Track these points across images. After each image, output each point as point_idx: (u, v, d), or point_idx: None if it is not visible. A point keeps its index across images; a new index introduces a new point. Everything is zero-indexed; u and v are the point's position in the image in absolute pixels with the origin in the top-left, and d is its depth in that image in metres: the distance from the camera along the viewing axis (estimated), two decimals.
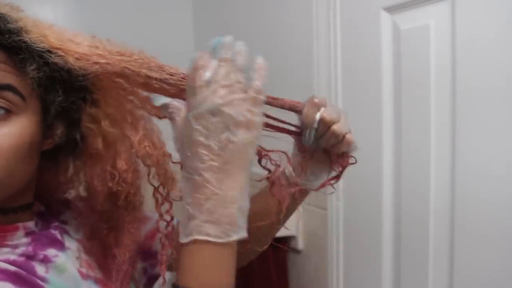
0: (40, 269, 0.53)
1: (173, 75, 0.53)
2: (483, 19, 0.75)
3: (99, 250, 0.61)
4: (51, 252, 0.56)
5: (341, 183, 1.08)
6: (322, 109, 0.58)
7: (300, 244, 1.24)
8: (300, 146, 0.64)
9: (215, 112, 0.46)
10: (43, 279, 0.53)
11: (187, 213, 0.47)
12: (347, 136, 0.61)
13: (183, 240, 0.47)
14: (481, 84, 0.76)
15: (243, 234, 0.48)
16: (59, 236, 0.59)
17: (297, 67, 1.23)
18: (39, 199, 0.61)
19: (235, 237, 0.47)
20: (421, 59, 0.85)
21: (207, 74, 0.48)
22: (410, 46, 0.88)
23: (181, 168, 0.50)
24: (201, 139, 0.46)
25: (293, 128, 0.62)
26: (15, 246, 0.53)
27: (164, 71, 0.53)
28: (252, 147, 0.50)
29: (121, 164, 0.56)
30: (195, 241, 0.46)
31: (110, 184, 0.56)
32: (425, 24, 0.84)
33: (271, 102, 0.60)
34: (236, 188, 0.48)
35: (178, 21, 1.83)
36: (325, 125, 0.58)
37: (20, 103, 0.48)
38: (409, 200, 0.91)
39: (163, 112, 0.54)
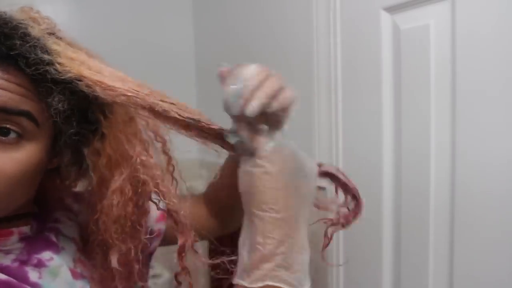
0: (33, 275, 0.52)
1: (199, 120, 0.52)
2: (483, 19, 0.75)
3: (99, 250, 0.59)
4: (45, 255, 0.55)
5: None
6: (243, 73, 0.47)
7: None
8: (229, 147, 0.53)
9: (293, 152, 0.45)
10: (35, 285, 0.52)
11: (256, 253, 0.43)
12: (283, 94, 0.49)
13: (252, 284, 0.43)
14: (481, 84, 0.76)
15: (309, 284, 0.45)
16: (54, 238, 0.59)
17: (297, 67, 1.23)
18: (33, 200, 0.60)
19: (306, 287, 0.44)
20: (421, 59, 0.85)
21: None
22: (410, 46, 0.88)
23: (244, 209, 0.46)
24: (277, 175, 0.44)
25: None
26: (8, 252, 0.53)
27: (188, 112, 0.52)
28: (313, 195, 0.48)
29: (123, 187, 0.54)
30: (266, 286, 0.43)
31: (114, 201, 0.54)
32: (425, 24, 0.84)
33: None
34: (305, 235, 0.46)
35: (178, 21, 1.83)
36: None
37: (33, 129, 0.48)
38: (409, 199, 0.91)
39: (238, 150, 0.50)
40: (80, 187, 0.65)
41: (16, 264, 0.52)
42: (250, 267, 0.43)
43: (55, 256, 0.56)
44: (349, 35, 1.03)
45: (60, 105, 0.47)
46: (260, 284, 0.43)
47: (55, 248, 0.58)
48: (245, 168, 0.46)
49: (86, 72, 0.47)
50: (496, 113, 0.74)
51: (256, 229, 0.44)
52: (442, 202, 0.83)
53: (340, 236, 1.09)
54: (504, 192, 0.74)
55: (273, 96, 0.49)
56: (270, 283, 0.42)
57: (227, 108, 0.48)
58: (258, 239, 0.43)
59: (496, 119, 0.74)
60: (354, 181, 1.06)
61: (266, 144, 0.45)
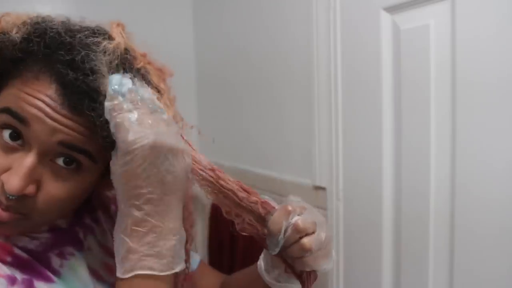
0: (55, 262, 0.56)
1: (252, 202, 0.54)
2: (483, 19, 0.75)
3: None
4: (67, 250, 0.58)
5: (341, 183, 1.09)
6: (296, 217, 0.52)
7: None
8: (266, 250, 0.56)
9: (152, 143, 0.45)
10: (56, 272, 0.55)
11: (125, 246, 0.46)
12: (317, 253, 0.53)
13: (124, 275, 0.46)
14: (481, 84, 0.76)
15: (183, 265, 0.48)
16: (81, 235, 0.61)
17: (297, 67, 1.23)
18: None
19: (177, 269, 0.47)
20: (421, 59, 0.85)
21: (133, 117, 0.46)
22: (410, 46, 0.88)
23: (118, 201, 0.49)
24: (138, 171, 0.45)
25: (260, 229, 0.55)
26: (35, 238, 0.56)
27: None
28: (187, 176, 0.50)
29: None
30: (137, 276, 0.46)
31: None
32: (425, 24, 0.84)
33: (241, 198, 0.54)
34: (176, 220, 0.48)
35: (178, 21, 1.83)
36: (295, 234, 0.52)
37: (90, 165, 0.51)
38: (409, 200, 0.91)
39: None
40: None
41: (40, 249, 0.55)
42: (121, 259, 0.47)
43: (76, 253, 0.59)
44: (349, 35, 1.03)
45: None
46: (131, 274, 0.46)
47: (79, 245, 0.60)
48: (114, 161, 0.47)
49: None
50: (496, 113, 0.74)
51: (125, 223, 0.47)
52: (442, 202, 0.83)
53: (340, 236, 1.09)
54: (504, 193, 0.74)
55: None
56: (140, 271, 0.45)
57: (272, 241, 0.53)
58: (126, 233, 0.47)
59: (496, 119, 0.74)
60: (354, 182, 1.06)
61: (126, 137, 0.46)
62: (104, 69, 0.48)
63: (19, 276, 0.51)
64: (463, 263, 0.80)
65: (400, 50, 0.90)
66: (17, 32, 0.48)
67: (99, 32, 0.52)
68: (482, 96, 0.75)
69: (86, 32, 0.50)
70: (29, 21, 0.50)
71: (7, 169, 0.48)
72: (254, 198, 0.53)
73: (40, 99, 0.47)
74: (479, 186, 0.77)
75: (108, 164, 0.52)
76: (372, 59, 0.96)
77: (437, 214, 0.85)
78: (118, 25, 0.54)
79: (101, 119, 0.47)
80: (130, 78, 0.49)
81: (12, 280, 0.49)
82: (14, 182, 0.46)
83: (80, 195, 0.53)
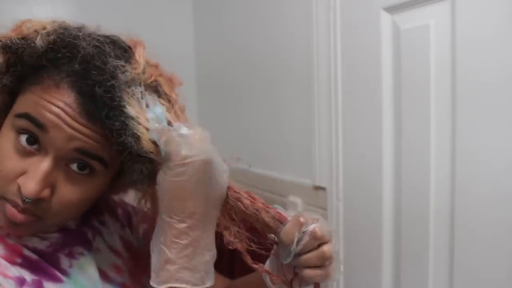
0: (64, 262, 0.57)
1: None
2: (483, 19, 0.75)
3: (138, 264, 0.65)
4: (77, 249, 0.60)
5: (341, 183, 1.09)
6: (313, 225, 0.52)
7: None
8: (278, 260, 0.56)
9: (205, 161, 0.48)
10: (65, 272, 0.56)
11: (164, 257, 0.48)
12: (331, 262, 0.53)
13: (159, 285, 0.48)
14: (481, 84, 0.76)
15: (212, 280, 0.50)
16: (89, 236, 0.63)
17: (297, 67, 1.23)
18: None
19: (208, 284, 0.49)
20: (421, 59, 0.85)
21: (183, 131, 0.49)
22: (410, 46, 0.88)
23: (159, 212, 0.50)
24: (188, 184, 0.47)
25: (272, 238, 0.56)
26: (45, 238, 0.57)
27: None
28: (224, 194, 0.52)
29: None
30: (172, 287, 0.48)
31: None
32: (425, 24, 0.84)
33: (252, 211, 0.54)
34: (211, 235, 0.50)
35: (178, 21, 1.83)
36: (312, 241, 0.52)
37: (103, 170, 0.53)
38: (409, 200, 0.91)
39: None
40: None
41: (50, 250, 0.56)
42: (158, 268, 0.48)
43: (86, 252, 0.60)
44: (349, 35, 1.03)
45: (133, 162, 0.51)
46: (166, 285, 0.47)
47: (88, 245, 0.62)
48: (162, 174, 0.49)
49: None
50: (496, 112, 0.74)
51: (165, 234, 0.48)
52: (442, 202, 0.83)
53: (340, 236, 1.09)
54: (504, 192, 0.74)
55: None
56: (175, 284, 0.47)
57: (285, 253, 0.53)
58: (165, 244, 0.48)
59: (496, 119, 0.74)
60: (354, 182, 1.06)
61: (179, 151, 0.48)
62: (122, 84, 0.50)
63: (28, 277, 0.52)
64: (463, 263, 0.80)
65: (400, 50, 0.90)
66: (40, 40, 0.49)
67: (122, 54, 0.53)
68: (482, 96, 0.75)
69: (112, 54, 0.51)
70: (52, 30, 0.51)
71: (23, 173, 0.49)
72: (259, 205, 0.54)
73: (59, 107, 0.48)
74: (479, 186, 0.77)
75: (118, 169, 0.55)
76: (372, 59, 0.96)
77: (437, 214, 0.85)
78: (140, 45, 0.56)
79: (117, 127, 0.49)
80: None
81: (21, 282, 0.50)
82: (30, 186, 0.48)
83: (91, 198, 0.55)
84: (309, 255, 0.52)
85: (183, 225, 0.48)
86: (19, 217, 0.50)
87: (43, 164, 0.49)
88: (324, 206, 1.14)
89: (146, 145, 0.50)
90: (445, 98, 0.81)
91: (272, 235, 0.55)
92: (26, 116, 0.49)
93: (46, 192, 0.49)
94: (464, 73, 0.78)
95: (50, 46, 0.49)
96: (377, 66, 0.95)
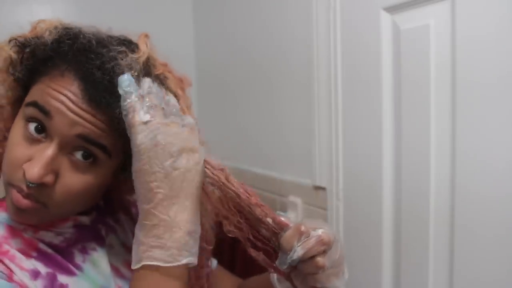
0: (78, 257, 0.59)
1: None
2: (483, 19, 0.75)
3: None
4: (90, 245, 0.61)
5: (341, 183, 1.09)
6: (320, 230, 0.52)
7: None
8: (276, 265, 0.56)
9: (156, 142, 0.49)
10: (78, 267, 0.58)
11: (136, 240, 0.50)
12: (330, 270, 0.53)
13: (134, 266, 0.49)
14: (481, 83, 0.76)
15: (191, 258, 0.50)
16: (103, 233, 0.65)
17: (297, 67, 1.23)
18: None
19: (183, 261, 0.49)
20: (421, 59, 0.85)
21: (143, 116, 0.50)
22: (410, 46, 0.88)
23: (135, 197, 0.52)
24: (146, 167, 0.49)
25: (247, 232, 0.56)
26: (60, 233, 0.59)
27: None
28: (198, 173, 0.52)
29: None
30: (145, 267, 0.48)
31: None
32: (425, 24, 0.84)
33: (255, 215, 0.55)
34: (185, 213, 0.50)
35: (178, 21, 1.83)
36: (319, 246, 0.52)
37: (105, 159, 0.54)
38: (409, 200, 0.91)
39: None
40: None
41: (64, 245, 0.58)
42: (133, 252, 0.50)
43: (98, 248, 0.62)
44: (349, 35, 1.03)
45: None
46: (139, 265, 0.49)
47: (101, 241, 0.63)
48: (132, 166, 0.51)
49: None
50: (496, 112, 0.74)
51: (138, 221, 0.51)
52: (442, 202, 0.83)
53: (340, 236, 1.09)
54: (504, 192, 0.74)
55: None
56: (146, 262, 0.48)
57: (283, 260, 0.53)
58: (138, 227, 0.51)
59: (496, 119, 0.74)
60: (354, 182, 1.06)
61: (135, 139, 0.49)
62: (124, 70, 0.52)
63: (43, 269, 0.54)
64: (463, 263, 0.80)
65: (400, 50, 0.90)
66: (49, 35, 0.53)
67: (124, 42, 0.56)
68: (482, 96, 0.75)
69: (114, 43, 0.54)
70: (60, 26, 0.55)
71: (29, 159, 0.51)
72: (253, 200, 0.54)
73: (63, 94, 0.51)
74: (479, 186, 0.77)
75: (124, 162, 0.57)
76: (372, 59, 0.96)
77: (437, 214, 0.85)
78: (146, 36, 0.58)
79: (119, 113, 0.51)
80: (148, 80, 0.52)
81: (35, 274, 0.53)
82: (34, 170, 0.49)
83: (95, 189, 0.56)
84: (305, 263, 0.52)
85: (149, 205, 0.49)
86: (24, 202, 0.51)
87: (48, 150, 0.51)
88: (324, 206, 1.14)
89: None
90: (445, 98, 0.81)
91: (273, 239, 0.55)
92: (33, 104, 0.52)
93: (49, 178, 0.51)
94: (464, 73, 0.78)
95: (55, 38, 0.53)
96: (377, 66, 0.95)
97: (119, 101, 0.50)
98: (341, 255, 0.55)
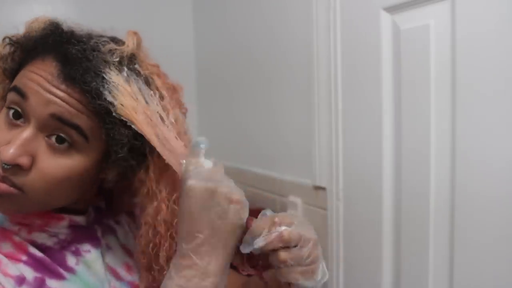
0: (71, 260, 0.58)
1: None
2: (483, 19, 0.75)
3: (146, 263, 0.65)
4: (84, 247, 0.61)
5: (341, 183, 1.09)
6: (284, 227, 0.51)
7: None
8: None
9: (207, 189, 0.50)
10: (71, 270, 0.57)
11: (168, 273, 0.51)
12: (296, 268, 0.52)
13: None
14: (481, 83, 0.76)
15: None
16: (99, 234, 0.64)
17: (297, 67, 1.23)
18: (103, 193, 0.68)
19: None
20: (421, 59, 0.85)
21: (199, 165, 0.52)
22: (410, 46, 0.88)
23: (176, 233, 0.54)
24: (193, 210, 0.50)
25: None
26: (54, 234, 0.58)
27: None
28: (240, 227, 0.52)
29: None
30: None
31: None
32: (425, 24, 0.84)
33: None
34: (217, 264, 0.51)
35: (178, 21, 1.83)
36: (277, 243, 0.51)
37: (82, 143, 0.53)
38: (409, 200, 0.91)
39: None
40: None
41: (57, 247, 0.58)
42: (162, 285, 0.51)
43: (93, 250, 0.61)
44: (349, 35, 1.03)
45: (114, 132, 0.53)
46: None
47: (96, 242, 0.62)
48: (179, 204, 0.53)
49: (138, 119, 0.54)
50: (496, 112, 0.74)
51: (175, 256, 0.52)
52: (442, 202, 0.83)
53: (340, 236, 1.09)
54: (504, 192, 0.74)
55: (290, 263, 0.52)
56: None
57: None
58: (172, 261, 0.52)
59: (496, 118, 0.74)
60: (354, 182, 1.06)
61: (188, 178, 0.52)
62: (104, 56, 0.53)
63: (31, 274, 0.53)
64: (463, 263, 0.80)
65: (400, 50, 0.90)
66: (36, 28, 0.56)
67: (111, 38, 0.57)
68: (482, 96, 0.75)
69: (99, 35, 0.56)
70: (48, 21, 0.57)
71: (7, 143, 0.52)
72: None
73: (39, 74, 0.52)
74: (479, 186, 0.77)
75: (105, 153, 0.56)
76: (372, 59, 0.96)
77: (437, 214, 0.85)
78: (134, 33, 0.58)
79: (94, 92, 0.51)
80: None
81: (20, 280, 0.52)
82: (9, 151, 0.50)
83: (75, 176, 0.54)
84: (270, 255, 0.52)
85: (185, 246, 0.50)
86: (2, 187, 0.51)
87: (24, 132, 0.52)
88: (324, 206, 1.14)
89: (123, 111, 0.52)
90: (445, 97, 0.81)
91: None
92: (13, 88, 0.53)
93: (25, 160, 0.51)
94: (464, 72, 0.78)
95: (42, 31, 0.55)
96: (377, 66, 0.95)
97: (95, 79, 0.51)
98: (315, 256, 0.53)
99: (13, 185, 0.51)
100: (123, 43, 0.56)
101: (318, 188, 1.16)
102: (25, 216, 0.57)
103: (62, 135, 0.52)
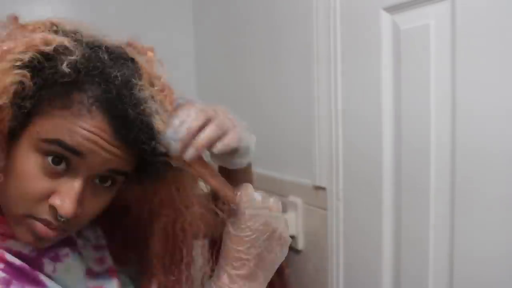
0: (48, 267, 0.57)
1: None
2: (483, 19, 0.75)
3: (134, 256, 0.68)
4: (63, 251, 0.60)
5: (341, 183, 1.09)
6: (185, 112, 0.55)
7: (300, 244, 1.24)
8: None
9: (264, 223, 0.56)
10: (49, 277, 0.56)
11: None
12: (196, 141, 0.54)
13: None
14: (481, 83, 0.76)
15: None
16: (74, 236, 0.63)
17: (297, 66, 1.23)
18: None
19: None
20: (421, 59, 0.85)
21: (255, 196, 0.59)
22: (410, 46, 0.88)
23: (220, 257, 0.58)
24: (246, 239, 0.55)
25: None
26: (27, 244, 0.56)
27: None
28: (281, 261, 0.59)
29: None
30: None
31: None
32: (425, 24, 0.84)
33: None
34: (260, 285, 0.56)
35: (178, 21, 1.83)
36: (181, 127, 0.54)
37: (123, 179, 0.57)
38: (409, 200, 0.91)
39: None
40: None
41: (34, 254, 0.56)
42: None
43: (71, 254, 0.61)
44: (349, 35, 1.03)
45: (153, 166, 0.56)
46: None
47: (73, 246, 0.62)
48: (229, 227, 0.57)
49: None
50: (495, 112, 0.74)
51: (224, 274, 0.57)
52: (442, 203, 0.83)
53: (340, 235, 1.09)
54: (504, 193, 0.74)
55: (212, 142, 0.55)
56: None
57: (168, 150, 0.53)
58: (215, 281, 0.57)
59: (496, 118, 0.74)
60: (354, 182, 1.06)
61: (246, 207, 0.57)
62: (155, 107, 0.52)
63: (8, 285, 0.51)
64: (463, 263, 0.80)
65: (400, 50, 0.90)
66: (67, 66, 0.48)
67: (133, 66, 0.55)
68: (482, 96, 0.75)
69: (136, 76, 0.53)
70: (74, 49, 0.50)
71: (51, 192, 0.51)
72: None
73: (95, 134, 0.50)
74: (479, 186, 0.77)
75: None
76: (372, 59, 0.96)
77: (437, 215, 0.85)
78: (151, 53, 0.60)
79: (149, 150, 0.52)
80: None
81: (7, 282, 0.51)
82: (68, 206, 0.50)
83: (104, 208, 0.57)
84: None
85: (233, 271, 0.55)
86: (52, 234, 0.52)
87: (75, 184, 0.51)
88: (324, 206, 1.14)
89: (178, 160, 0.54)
90: (445, 98, 0.81)
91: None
92: (58, 142, 0.49)
93: (79, 210, 0.52)
94: (464, 73, 0.78)
95: (73, 63, 0.49)
96: (377, 66, 0.95)
97: (148, 138, 0.52)
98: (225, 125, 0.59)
99: (62, 229, 0.53)
100: (138, 66, 0.55)
101: (318, 188, 1.16)
102: None
103: (105, 177, 0.54)
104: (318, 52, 1.12)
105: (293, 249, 1.28)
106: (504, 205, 0.73)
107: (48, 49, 0.49)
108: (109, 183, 0.54)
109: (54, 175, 0.51)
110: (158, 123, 0.52)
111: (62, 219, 0.51)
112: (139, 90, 0.52)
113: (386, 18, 0.93)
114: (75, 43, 0.51)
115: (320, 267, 1.17)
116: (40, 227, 0.52)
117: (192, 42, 1.85)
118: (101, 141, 0.50)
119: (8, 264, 0.53)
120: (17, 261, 0.53)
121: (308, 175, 1.19)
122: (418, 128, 0.87)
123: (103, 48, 0.53)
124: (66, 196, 0.50)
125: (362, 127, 1.01)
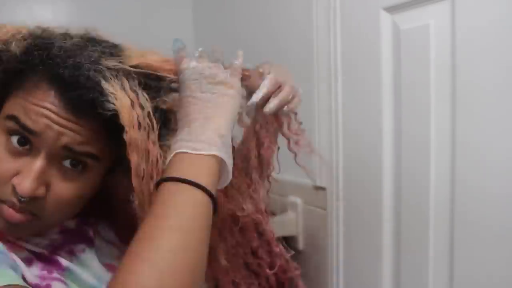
0: (64, 260, 0.58)
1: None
2: (483, 19, 0.75)
3: None
4: (79, 247, 0.61)
5: (341, 183, 1.09)
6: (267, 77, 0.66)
7: (300, 244, 1.24)
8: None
9: (201, 75, 0.57)
10: (66, 269, 0.57)
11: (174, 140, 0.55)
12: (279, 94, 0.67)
13: (168, 158, 0.52)
14: (481, 83, 0.76)
15: (221, 154, 0.52)
16: (91, 233, 0.64)
17: (297, 66, 1.23)
18: None
19: (211, 152, 0.51)
20: (421, 59, 0.85)
21: (192, 63, 0.59)
22: (410, 46, 0.88)
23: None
24: (188, 92, 0.55)
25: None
26: (44, 238, 0.58)
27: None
28: (232, 105, 0.58)
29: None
30: (176, 154, 0.51)
31: None
32: (425, 24, 0.84)
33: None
34: (215, 129, 0.54)
35: (178, 21, 1.83)
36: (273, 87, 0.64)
37: (94, 164, 0.55)
38: (409, 200, 0.91)
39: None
40: None
41: (49, 249, 0.57)
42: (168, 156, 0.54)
43: (87, 249, 0.61)
44: (349, 35, 1.03)
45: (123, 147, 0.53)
46: (172, 154, 0.52)
47: (90, 242, 0.63)
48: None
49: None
50: (495, 112, 0.74)
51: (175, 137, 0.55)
52: (442, 202, 0.83)
53: (340, 236, 1.09)
54: (504, 193, 0.74)
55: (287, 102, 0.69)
56: (177, 150, 0.51)
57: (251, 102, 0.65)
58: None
59: (496, 118, 0.74)
60: (354, 182, 1.06)
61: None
62: (105, 72, 0.52)
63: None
64: (463, 262, 0.80)
65: (400, 50, 0.90)
66: (16, 46, 0.52)
67: (107, 45, 0.56)
68: (482, 96, 0.75)
69: (91, 47, 0.54)
70: (27, 34, 0.53)
71: (16, 173, 0.51)
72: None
73: (44, 107, 0.50)
74: (479, 186, 0.77)
75: (113, 162, 0.57)
76: (372, 59, 0.96)
77: (437, 215, 0.85)
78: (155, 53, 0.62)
79: (102, 115, 0.50)
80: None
81: (29, 261, 0.53)
82: (26, 184, 0.49)
83: (86, 194, 0.56)
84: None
85: (184, 118, 0.54)
86: (17, 216, 0.51)
87: (36, 162, 0.51)
88: (324, 206, 1.14)
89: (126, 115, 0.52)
90: (445, 97, 0.81)
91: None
92: (14, 119, 0.51)
93: (41, 190, 0.51)
94: (464, 72, 0.78)
95: (25, 50, 0.52)
96: (377, 66, 0.95)
97: (101, 101, 0.50)
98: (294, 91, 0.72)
99: (30, 213, 0.52)
100: (122, 48, 0.56)
101: (318, 188, 1.16)
102: None
103: (76, 160, 0.53)
104: (318, 52, 1.12)
105: (293, 249, 1.28)
106: (504, 202, 0.73)
107: (4, 36, 0.53)
108: (79, 167, 0.53)
109: (19, 155, 0.51)
110: (105, 85, 0.51)
111: (23, 199, 0.50)
112: (95, 69, 0.51)
113: (386, 18, 0.93)
114: (36, 29, 0.54)
115: (320, 267, 1.17)
116: (5, 209, 0.51)
117: (192, 42, 1.85)
118: (52, 115, 0.50)
119: (30, 251, 0.55)
120: (37, 249, 0.55)
121: (308, 175, 1.19)
122: (418, 127, 0.87)
123: (65, 33, 0.55)
124: (26, 174, 0.50)
125: (362, 127, 1.01)
